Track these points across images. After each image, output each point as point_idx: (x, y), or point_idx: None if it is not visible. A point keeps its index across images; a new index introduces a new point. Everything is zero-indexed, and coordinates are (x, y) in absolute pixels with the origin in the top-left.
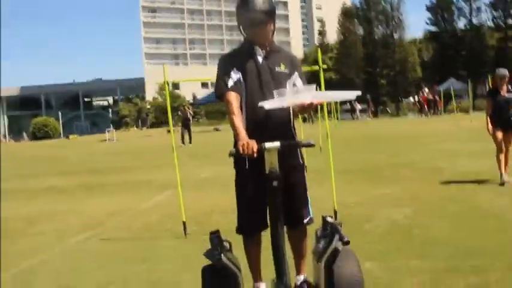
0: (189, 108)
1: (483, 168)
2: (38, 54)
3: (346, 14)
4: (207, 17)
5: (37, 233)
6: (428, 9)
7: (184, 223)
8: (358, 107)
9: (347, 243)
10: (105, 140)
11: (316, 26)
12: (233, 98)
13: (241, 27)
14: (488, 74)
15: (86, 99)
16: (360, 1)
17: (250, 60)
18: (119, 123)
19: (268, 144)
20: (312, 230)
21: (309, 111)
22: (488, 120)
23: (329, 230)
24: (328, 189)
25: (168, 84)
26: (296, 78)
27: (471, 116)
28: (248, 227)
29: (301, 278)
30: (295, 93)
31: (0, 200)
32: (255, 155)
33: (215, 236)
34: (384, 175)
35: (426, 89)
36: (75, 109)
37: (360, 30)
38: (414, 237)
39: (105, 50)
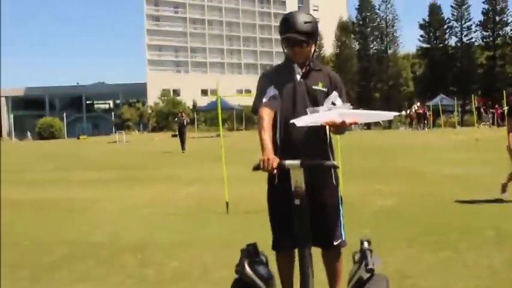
0: (185, 115)
1: (461, 173)
2: (43, 56)
3: (343, 29)
4: (208, 26)
5: (102, 210)
6: (421, 26)
7: (227, 203)
8: None
9: (370, 271)
10: (115, 142)
11: None
12: (265, 113)
13: (282, 44)
14: (477, 91)
15: (87, 102)
16: (356, 16)
17: (288, 77)
18: (121, 126)
19: (288, 162)
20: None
21: (343, 131)
22: (511, 137)
23: (359, 256)
24: None
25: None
26: (336, 97)
27: (457, 131)
28: (279, 243)
29: None
30: (328, 111)
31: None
32: (275, 171)
33: (249, 248)
34: (377, 176)
35: (418, 104)
36: (78, 111)
37: (356, 45)
38: (397, 215)
39: (109, 55)
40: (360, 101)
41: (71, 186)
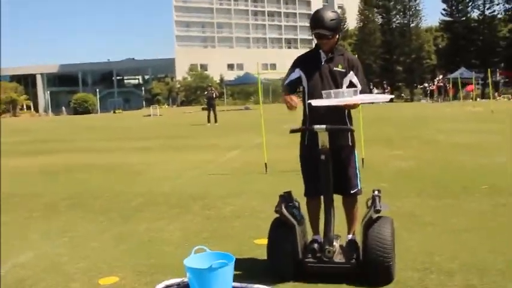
0: (214, 89)
1: (470, 141)
2: (74, 33)
3: (366, 3)
4: (234, 2)
5: (160, 170)
6: (444, 0)
7: (265, 164)
8: (375, 91)
9: (377, 211)
10: (149, 115)
11: None
12: (285, 91)
13: (312, 36)
14: (499, 64)
15: (118, 77)
16: None
17: (314, 62)
18: (151, 100)
19: (317, 126)
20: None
21: (353, 107)
22: None
23: (370, 201)
24: (358, 149)
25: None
26: (352, 76)
27: (476, 103)
28: (309, 191)
29: (349, 237)
30: (337, 96)
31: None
32: (296, 106)
33: (285, 195)
34: (396, 143)
35: (441, 77)
36: (109, 86)
37: (379, 18)
38: (410, 174)
39: (138, 32)
40: (383, 73)
41: (124, 153)
